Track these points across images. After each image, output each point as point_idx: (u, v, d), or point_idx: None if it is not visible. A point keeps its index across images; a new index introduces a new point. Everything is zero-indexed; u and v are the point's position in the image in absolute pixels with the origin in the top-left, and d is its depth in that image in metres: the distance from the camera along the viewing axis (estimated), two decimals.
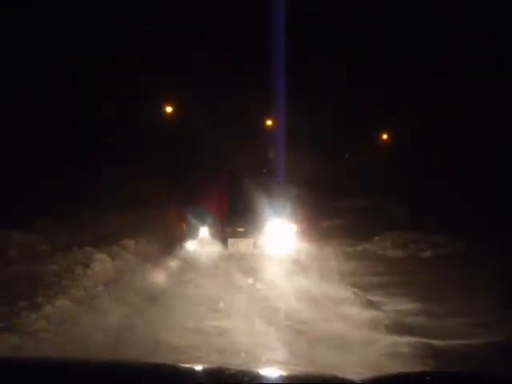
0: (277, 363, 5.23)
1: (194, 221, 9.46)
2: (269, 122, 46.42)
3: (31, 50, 26.14)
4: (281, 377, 2.43)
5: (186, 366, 2.95)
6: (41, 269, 7.78)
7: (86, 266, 7.81)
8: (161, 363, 3.08)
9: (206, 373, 2.49)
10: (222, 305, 7.15)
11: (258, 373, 2.53)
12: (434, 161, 31.11)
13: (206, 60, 34.95)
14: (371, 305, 7.04)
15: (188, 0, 38.85)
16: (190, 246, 9.65)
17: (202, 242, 9.65)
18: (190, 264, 9.49)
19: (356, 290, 7.78)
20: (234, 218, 9.95)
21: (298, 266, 9.50)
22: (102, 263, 8.04)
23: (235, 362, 5.05)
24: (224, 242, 9.76)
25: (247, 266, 9.44)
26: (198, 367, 2.73)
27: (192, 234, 9.63)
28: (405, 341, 5.64)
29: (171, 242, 10.41)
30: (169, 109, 39.68)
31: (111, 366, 2.70)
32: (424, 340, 5.68)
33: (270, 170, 14.60)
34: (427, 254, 9.86)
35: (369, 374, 2.42)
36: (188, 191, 9.58)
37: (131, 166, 22.87)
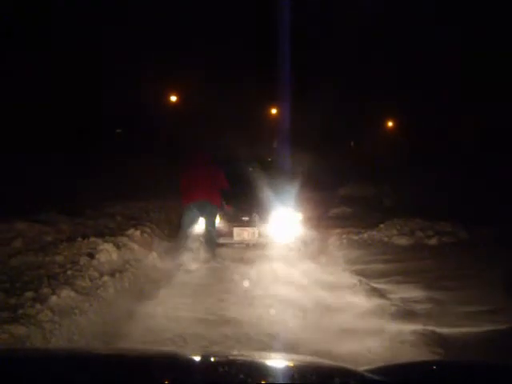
0: (283, 351, 5.24)
1: (197, 210, 9.42)
2: (273, 111, 46.50)
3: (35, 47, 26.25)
4: (287, 366, 2.42)
5: (190, 354, 2.95)
6: (46, 259, 7.78)
7: (92, 256, 7.80)
8: (165, 351, 3.08)
9: (209, 361, 2.48)
10: (226, 295, 7.17)
11: (263, 362, 2.52)
12: (438, 150, 31.20)
13: (212, 49, 35.05)
14: (376, 292, 7.02)
15: None
16: (195, 235, 9.62)
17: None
18: (194, 253, 9.50)
19: (361, 277, 7.75)
20: (239, 206, 9.95)
21: (303, 254, 9.52)
22: (107, 253, 8.04)
23: (240, 350, 5.04)
24: (229, 230, 9.77)
25: (252, 255, 9.46)
26: (201, 355, 2.73)
27: (196, 223, 9.61)
28: (410, 328, 5.62)
29: (177, 231, 10.43)
30: (173, 98, 39.71)
31: (115, 355, 2.71)
32: (430, 327, 5.66)
33: (275, 159, 14.54)
34: (433, 241, 9.81)
35: (374, 364, 2.41)
36: (190, 180, 9.44)
37: (136, 157, 22.96)
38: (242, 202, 10.02)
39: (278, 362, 2.60)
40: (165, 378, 2.04)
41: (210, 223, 9.45)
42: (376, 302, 6.59)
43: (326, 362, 2.69)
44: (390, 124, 51.96)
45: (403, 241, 9.97)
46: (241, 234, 9.77)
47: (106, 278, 7.14)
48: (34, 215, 10.23)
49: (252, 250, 9.69)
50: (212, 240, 9.49)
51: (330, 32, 34.80)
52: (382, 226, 10.88)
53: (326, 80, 32.63)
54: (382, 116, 49.89)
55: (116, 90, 30.91)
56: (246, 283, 7.71)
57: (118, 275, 7.43)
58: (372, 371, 2.14)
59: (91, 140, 28.48)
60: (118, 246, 8.42)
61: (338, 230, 11.12)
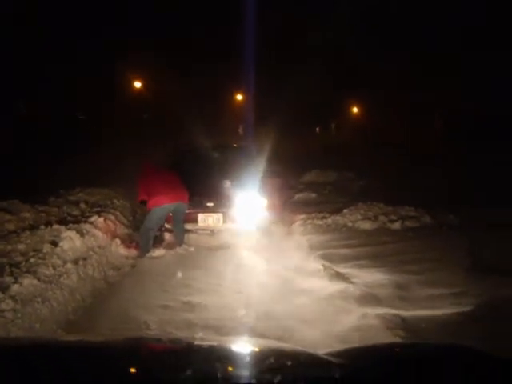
0: (246, 336, 5.25)
1: (171, 210, 9.26)
2: (239, 97, 46.45)
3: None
4: (249, 351, 2.42)
5: (155, 340, 2.93)
6: (8, 248, 7.68)
7: (55, 244, 7.72)
8: (130, 337, 3.06)
9: (174, 346, 2.47)
10: (191, 281, 7.15)
11: (227, 346, 2.52)
12: (405, 135, 31.45)
13: (178, 34, 34.83)
14: (340, 277, 7.06)
15: None
16: (160, 224, 9.52)
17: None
18: (158, 240, 9.47)
19: (325, 262, 7.78)
20: (203, 192, 9.88)
21: (268, 239, 9.51)
22: (70, 241, 7.96)
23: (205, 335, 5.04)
24: (194, 216, 9.71)
25: (216, 241, 9.46)
26: (166, 341, 2.72)
27: (164, 220, 9.48)
28: (374, 312, 5.67)
29: (140, 218, 10.39)
30: (138, 84, 39.42)
31: (78, 341, 2.67)
32: (394, 311, 5.71)
33: (240, 145, 14.54)
34: (396, 225, 9.87)
35: (337, 347, 2.41)
36: (160, 182, 9.21)
37: (99, 143, 22.81)
38: (206, 188, 9.96)
39: (240, 346, 2.60)
40: (130, 363, 2.02)
41: (180, 216, 9.36)
42: (340, 286, 6.63)
43: (288, 346, 2.70)
44: (356, 110, 52.28)
45: (367, 225, 10.02)
46: (205, 219, 9.73)
47: (69, 265, 7.08)
48: None
49: (217, 236, 9.67)
50: (181, 230, 9.42)
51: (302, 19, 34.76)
52: (346, 211, 10.92)
53: (294, 65, 32.68)
54: (348, 102, 50.18)
55: (78, 75, 30.65)
56: (210, 269, 7.71)
57: (81, 262, 7.38)
58: (333, 354, 2.14)
59: (54, 127, 28.16)
60: (81, 234, 8.34)
61: (302, 216, 11.13)
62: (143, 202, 9.13)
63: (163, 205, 8.94)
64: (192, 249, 9.12)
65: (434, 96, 31.93)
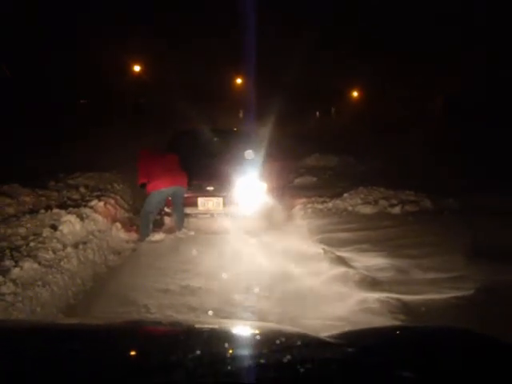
0: (248, 319, 5.27)
1: (170, 194, 9.23)
2: (239, 81, 46.34)
3: None
4: (249, 333, 2.42)
5: (155, 323, 2.93)
6: (8, 232, 7.67)
7: (55, 228, 7.72)
8: (130, 321, 3.06)
9: (174, 329, 2.47)
10: (190, 265, 7.14)
11: (226, 329, 2.52)
12: (404, 120, 31.36)
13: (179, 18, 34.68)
14: (341, 261, 7.06)
15: None
16: (159, 208, 9.50)
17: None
18: (158, 224, 9.47)
19: (326, 246, 7.78)
20: (203, 176, 9.84)
21: (268, 223, 9.48)
22: (70, 225, 7.95)
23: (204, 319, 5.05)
24: (194, 200, 9.68)
25: (216, 225, 9.42)
26: (166, 324, 2.72)
27: (163, 203, 9.46)
28: (375, 296, 5.68)
29: (140, 202, 10.37)
30: (137, 68, 39.23)
31: (78, 325, 2.67)
32: (394, 295, 5.72)
33: (240, 129, 14.50)
34: (396, 210, 9.87)
35: (337, 330, 2.41)
36: (158, 166, 9.17)
37: (100, 128, 22.77)
38: (206, 172, 9.91)
39: (240, 329, 2.60)
40: (131, 346, 2.02)
41: (179, 200, 9.34)
42: (340, 270, 6.62)
43: (290, 328, 2.69)
44: (356, 94, 52.17)
45: (367, 210, 10.02)
46: (205, 203, 9.69)
47: (69, 249, 7.07)
48: None
49: (217, 220, 9.63)
50: (181, 214, 9.40)
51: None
52: (346, 195, 10.91)
53: (295, 50, 32.58)
54: (348, 86, 50.07)
55: (77, 60, 30.58)
56: (210, 253, 7.70)
57: (81, 246, 7.37)
58: (334, 337, 2.14)
59: (54, 111, 28.12)
60: (81, 218, 8.34)
61: (302, 200, 11.12)
62: (143, 186, 9.11)
63: (160, 189, 8.94)
64: (192, 233, 9.12)
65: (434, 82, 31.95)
